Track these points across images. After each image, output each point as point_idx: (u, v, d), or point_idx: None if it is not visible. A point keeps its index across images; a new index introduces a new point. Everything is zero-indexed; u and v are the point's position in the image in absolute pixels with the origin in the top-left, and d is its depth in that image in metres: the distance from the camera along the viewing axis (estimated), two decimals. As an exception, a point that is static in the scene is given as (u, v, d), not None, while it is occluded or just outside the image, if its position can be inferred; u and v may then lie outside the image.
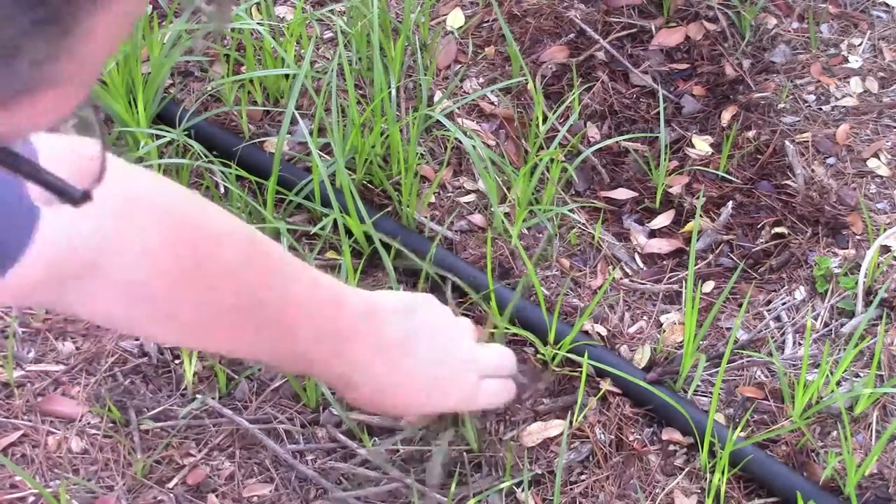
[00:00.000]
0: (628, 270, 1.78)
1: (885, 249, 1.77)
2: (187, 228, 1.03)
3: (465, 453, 1.54)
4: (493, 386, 1.29)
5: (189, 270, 1.02)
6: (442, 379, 1.22)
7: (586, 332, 1.66)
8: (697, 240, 1.76)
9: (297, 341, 1.10)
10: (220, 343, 1.13)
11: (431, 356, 1.20)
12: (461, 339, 1.23)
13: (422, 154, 1.86)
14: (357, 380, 1.15)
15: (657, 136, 1.89)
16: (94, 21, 0.47)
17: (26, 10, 0.44)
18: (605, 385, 1.60)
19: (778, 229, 1.82)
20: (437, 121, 1.84)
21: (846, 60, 2.07)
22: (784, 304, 1.73)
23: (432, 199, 1.82)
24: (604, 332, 1.68)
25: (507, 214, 1.78)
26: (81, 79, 0.51)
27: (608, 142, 1.89)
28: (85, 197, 0.59)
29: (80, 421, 1.58)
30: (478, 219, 1.81)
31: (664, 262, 1.79)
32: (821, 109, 2.00)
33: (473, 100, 1.95)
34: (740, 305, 1.71)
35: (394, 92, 1.81)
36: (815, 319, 1.71)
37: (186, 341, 1.27)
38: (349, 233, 1.70)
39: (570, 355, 1.61)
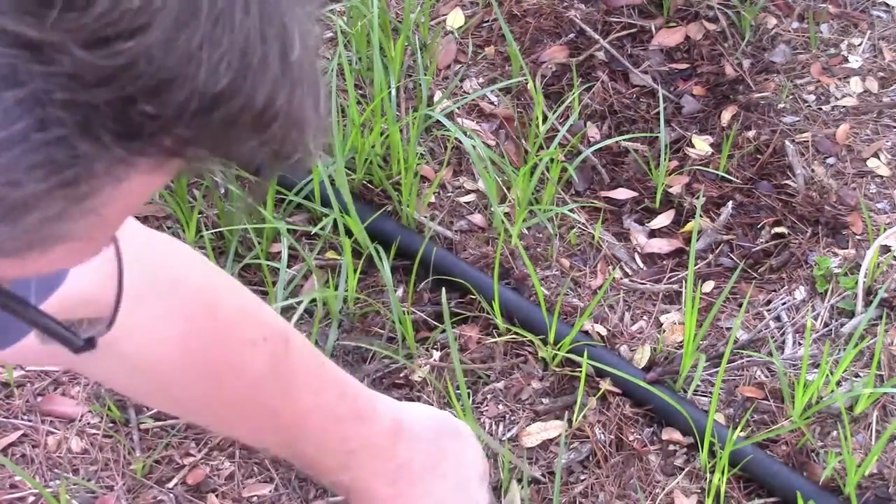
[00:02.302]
0: (628, 270, 1.78)
1: (885, 249, 1.77)
2: (208, 320, 0.95)
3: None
4: None
5: (198, 366, 0.96)
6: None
7: (586, 332, 1.66)
8: (697, 240, 1.76)
9: (305, 446, 1.04)
10: (224, 431, 1.10)
11: (441, 491, 1.11)
12: (476, 481, 1.13)
13: (422, 154, 1.86)
14: (359, 493, 1.07)
15: (657, 136, 1.89)
16: (114, 192, 0.44)
17: (39, 179, 0.41)
18: (605, 385, 1.60)
19: (778, 229, 1.82)
20: (437, 121, 1.84)
21: (846, 60, 2.07)
22: (784, 304, 1.73)
23: (432, 199, 1.82)
24: (604, 332, 1.68)
25: (507, 214, 1.78)
26: (98, 235, 0.48)
27: (608, 142, 1.89)
28: (87, 345, 0.56)
29: (79, 421, 1.58)
30: (478, 219, 1.81)
31: (664, 262, 1.79)
32: (821, 109, 2.00)
33: (473, 100, 1.95)
34: (740, 305, 1.71)
35: (394, 92, 1.81)
36: (815, 319, 1.71)
37: (195, 421, 1.26)
38: (349, 232, 1.70)
39: (570, 355, 1.61)
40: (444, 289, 1.64)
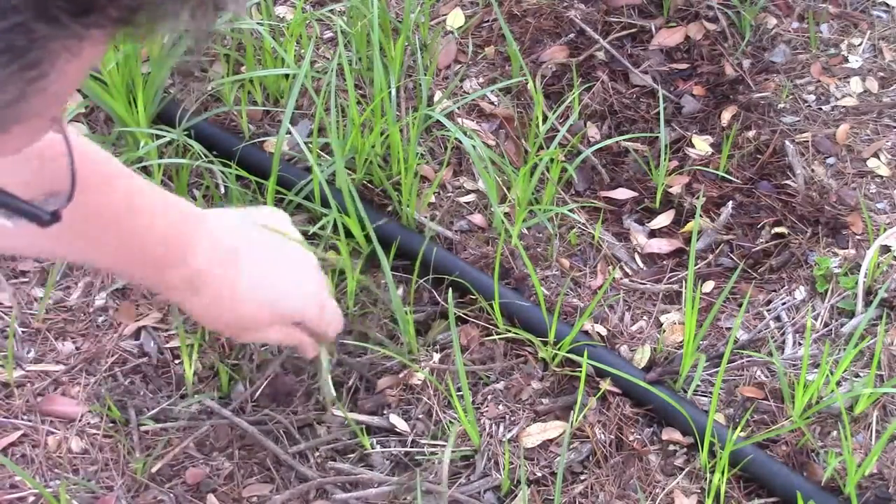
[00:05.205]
0: (628, 270, 1.78)
1: (885, 249, 1.77)
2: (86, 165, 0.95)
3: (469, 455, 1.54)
4: (335, 306, 1.29)
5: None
6: (286, 283, 1.21)
7: (586, 332, 1.66)
8: (697, 240, 1.76)
9: (144, 247, 1.11)
10: (61, 251, 1.13)
11: (272, 262, 1.20)
12: (305, 259, 1.23)
13: (422, 154, 1.86)
14: (198, 284, 1.15)
15: (657, 136, 1.89)
16: (66, 68, 0.47)
17: (2, 66, 0.44)
18: (605, 385, 1.60)
19: (778, 229, 1.82)
20: (437, 121, 1.84)
21: (846, 60, 2.07)
22: (784, 304, 1.73)
23: (432, 199, 1.82)
24: (604, 332, 1.68)
25: (507, 214, 1.78)
26: (49, 113, 0.51)
27: (608, 142, 1.89)
28: (54, 218, 0.58)
29: (80, 421, 1.58)
30: (478, 219, 1.81)
31: (664, 262, 1.79)
32: (821, 109, 2.00)
33: (473, 100, 1.95)
34: (740, 305, 1.71)
35: (394, 92, 1.81)
36: (815, 319, 1.71)
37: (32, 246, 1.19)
38: (349, 232, 1.70)
39: (570, 355, 1.61)
40: (451, 290, 1.64)
